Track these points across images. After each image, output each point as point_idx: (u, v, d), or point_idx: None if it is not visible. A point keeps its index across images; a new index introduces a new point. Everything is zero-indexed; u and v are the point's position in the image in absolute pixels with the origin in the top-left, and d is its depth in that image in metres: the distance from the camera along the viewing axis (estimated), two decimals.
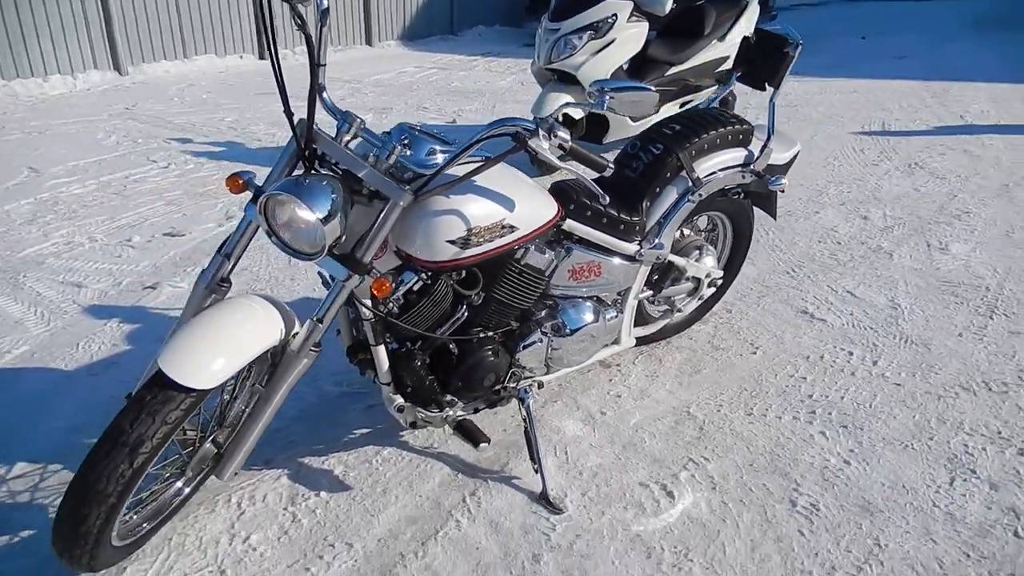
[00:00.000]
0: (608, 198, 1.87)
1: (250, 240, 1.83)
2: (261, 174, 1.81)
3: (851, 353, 2.72)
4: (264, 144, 5.38)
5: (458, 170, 1.77)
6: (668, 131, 2.44)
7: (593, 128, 4.82)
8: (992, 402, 2.43)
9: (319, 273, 2.41)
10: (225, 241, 1.84)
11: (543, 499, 2.07)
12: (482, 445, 2.06)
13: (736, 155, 2.48)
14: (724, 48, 5.06)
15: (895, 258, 3.50)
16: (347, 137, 1.79)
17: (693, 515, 2.00)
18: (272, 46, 1.66)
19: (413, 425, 2.11)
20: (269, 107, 6.44)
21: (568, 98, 4.58)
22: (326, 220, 1.63)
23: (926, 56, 8.38)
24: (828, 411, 2.41)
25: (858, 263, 3.46)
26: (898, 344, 2.77)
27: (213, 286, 1.81)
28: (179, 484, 1.93)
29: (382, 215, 1.72)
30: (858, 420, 2.36)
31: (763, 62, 2.49)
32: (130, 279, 3.33)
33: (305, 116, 1.71)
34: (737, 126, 2.47)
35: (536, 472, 2.10)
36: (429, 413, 2.08)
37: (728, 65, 5.17)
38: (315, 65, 1.71)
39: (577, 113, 4.65)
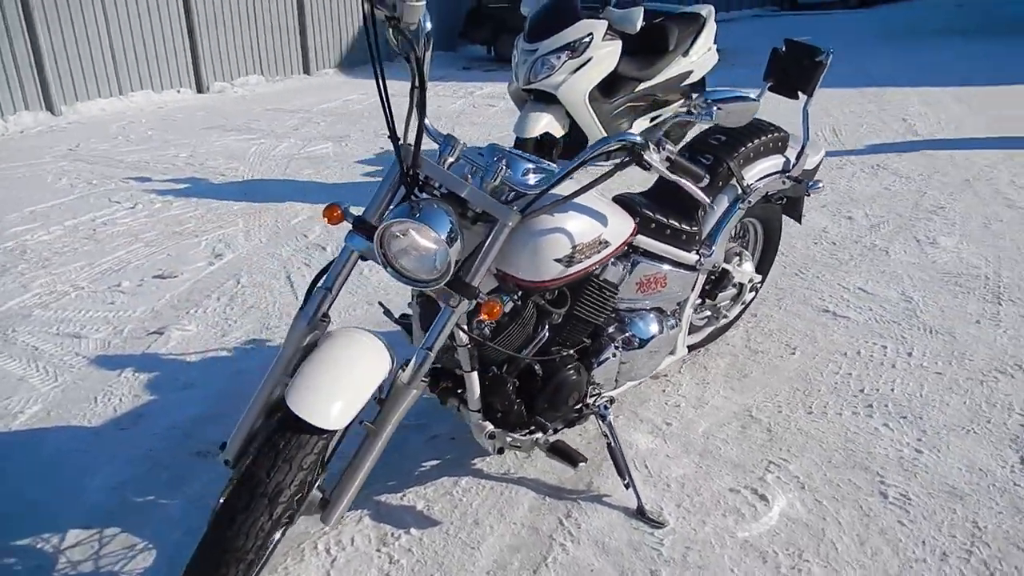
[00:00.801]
0: (709, 201, 1.89)
1: (351, 272, 1.77)
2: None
3: (884, 347, 2.82)
4: (228, 178, 5.21)
5: (560, 189, 1.76)
6: (715, 141, 2.49)
7: (569, 147, 4.87)
8: None
9: (380, 303, 2.36)
10: (322, 274, 1.77)
11: (640, 514, 2.06)
12: (580, 464, 2.04)
13: (776, 162, 2.55)
14: (687, 63, 5.21)
15: (891, 254, 3.66)
16: (449, 160, 1.76)
17: (792, 516, 2.02)
18: (380, 70, 1.63)
19: (500, 451, 2.07)
20: (221, 141, 6.26)
21: (550, 118, 4.63)
22: (449, 243, 1.59)
23: (852, 63, 8.84)
24: (884, 403, 2.48)
25: (859, 261, 3.61)
26: (925, 335, 2.89)
27: (315, 322, 1.73)
28: (276, 535, 1.83)
29: (491, 237, 1.70)
30: (915, 410, 2.44)
31: (796, 71, 2.58)
32: (131, 326, 3.15)
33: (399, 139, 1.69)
34: (775, 134, 2.54)
35: (628, 487, 2.09)
36: (520, 437, 2.04)
37: (693, 79, 5.33)
38: (419, 88, 1.68)
39: (558, 132, 4.70)
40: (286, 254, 3.85)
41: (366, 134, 6.52)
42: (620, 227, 1.98)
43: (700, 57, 5.32)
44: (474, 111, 7.43)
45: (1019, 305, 3.07)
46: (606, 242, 1.90)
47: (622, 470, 2.10)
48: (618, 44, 4.79)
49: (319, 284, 1.75)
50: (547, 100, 4.71)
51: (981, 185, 4.60)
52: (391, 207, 1.77)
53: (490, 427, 1.99)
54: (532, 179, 1.79)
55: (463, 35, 10.94)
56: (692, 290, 2.43)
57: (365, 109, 7.63)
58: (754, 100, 1.74)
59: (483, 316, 1.74)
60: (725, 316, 2.75)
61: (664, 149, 1.69)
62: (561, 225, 1.81)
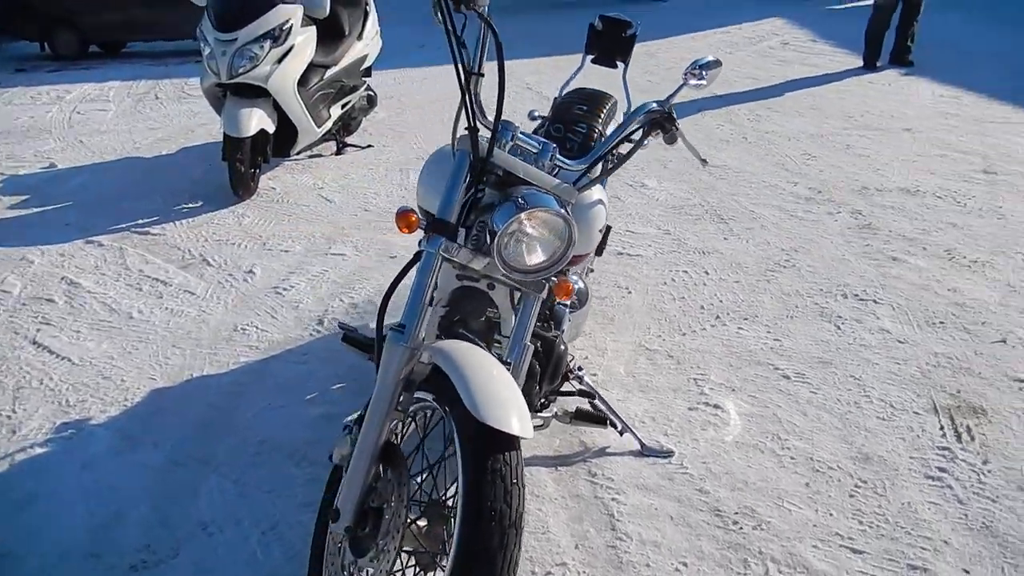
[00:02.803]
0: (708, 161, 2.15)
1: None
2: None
3: (686, 271, 3.45)
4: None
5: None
6: (579, 111, 2.74)
7: (280, 141, 4.65)
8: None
9: (341, 325, 2.15)
10: (394, 287, 1.61)
11: (648, 451, 2.30)
12: (609, 421, 2.19)
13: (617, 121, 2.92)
14: (363, 47, 5.31)
15: (624, 199, 4.34)
16: (509, 145, 1.74)
17: (746, 412, 2.47)
18: (459, 54, 1.55)
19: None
20: None
21: (261, 113, 4.35)
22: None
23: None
24: (725, 312, 3.09)
25: None
26: (701, 256, 3.60)
27: (418, 343, 1.58)
28: None
29: None
30: (748, 311, 3.09)
31: (614, 44, 2.95)
32: None
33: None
34: (613, 100, 2.90)
35: (623, 433, 2.31)
36: (545, 416, 2.11)
37: (368, 63, 5.45)
38: (476, 74, 1.63)
39: (271, 127, 4.45)
40: None
41: None
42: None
43: (372, 40, 5.44)
44: (82, 117, 6.39)
45: (739, 222, 3.97)
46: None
47: (614, 420, 2.30)
48: (313, 30, 4.68)
49: (414, 300, 1.59)
50: (251, 94, 4.40)
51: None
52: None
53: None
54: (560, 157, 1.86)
55: (4, 29, 9.07)
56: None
57: None
58: (720, 63, 2.05)
59: (560, 296, 1.78)
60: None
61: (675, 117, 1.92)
62: (599, 197, 1.93)
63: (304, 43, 4.56)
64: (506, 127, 1.74)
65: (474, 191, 1.67)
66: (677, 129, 1.88)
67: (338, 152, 5.28)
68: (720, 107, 5.99)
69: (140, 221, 4.11)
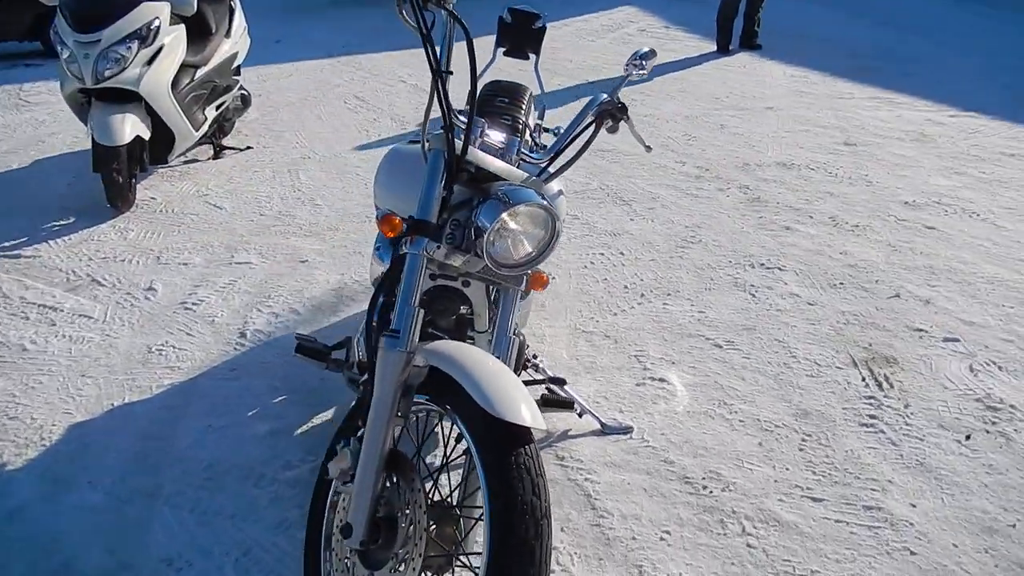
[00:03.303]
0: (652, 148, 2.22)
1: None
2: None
3: (602, 253, 3.56)
4: None
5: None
6: (501, 104, 2.76)
7: (155, 147, 4.37)
8: None
9: (297, 336, 2.08)
10: (382, 290, 1.58)
11: (608, 429, 2.37)
12: (575, 406, 2.24)
13: (536, 112, 2.96)
14: (232, 44, 5.07)
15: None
16: (478, 141, 1.74)
17: (691, 383, 2.60)
18: (430, 52, 1.54)
19: None
20: None
21: (135, 118, 4.06)
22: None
23: None
24: (648, 290, 3.21)
25: None
26: (613, 237, 3.72)
27: (414, 347, 1.55)
28: None
29: None
30: (670, 287, 3.23)
31: (524, 36, 2.98)
32: None
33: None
34: (528, 91, 2.94)
35: (582, 415, 2.37)
36: None
37: (239, 61, 5.21)
38: (445, 72, 1.63)
39: (146, 133, 4.17)
40: None
41: None
42: None
43: (241, 38, 5.21)
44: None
45: (640, 203, 4.13)
46: None
47: (572, 403, 2.36)
48: (183, 28, 4.41)
49: (405, 304, 1.55)
50: (119, 99, 4.09)
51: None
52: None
53: None
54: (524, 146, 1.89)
55: None
56: None
57: None
58: (655, 52, 2.13)
59: (536, 288, 1.81)
60: None
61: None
62: (559, 188, 1.96)
63: (174, 42, 4.29)
64: (475, 124, 1.74)
65: (448, 190, 1.66)
66: (628, 119, 1.94)
67: (215, 156, 5.00)
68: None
69: (5, 244, 3.72)
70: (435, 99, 1.62)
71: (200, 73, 4.67)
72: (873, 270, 3.30)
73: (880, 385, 2.55)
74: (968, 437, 2.31)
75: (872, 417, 2.41)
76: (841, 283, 3.20)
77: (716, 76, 6.75)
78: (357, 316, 3.04)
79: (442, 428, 1.70)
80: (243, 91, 5.30)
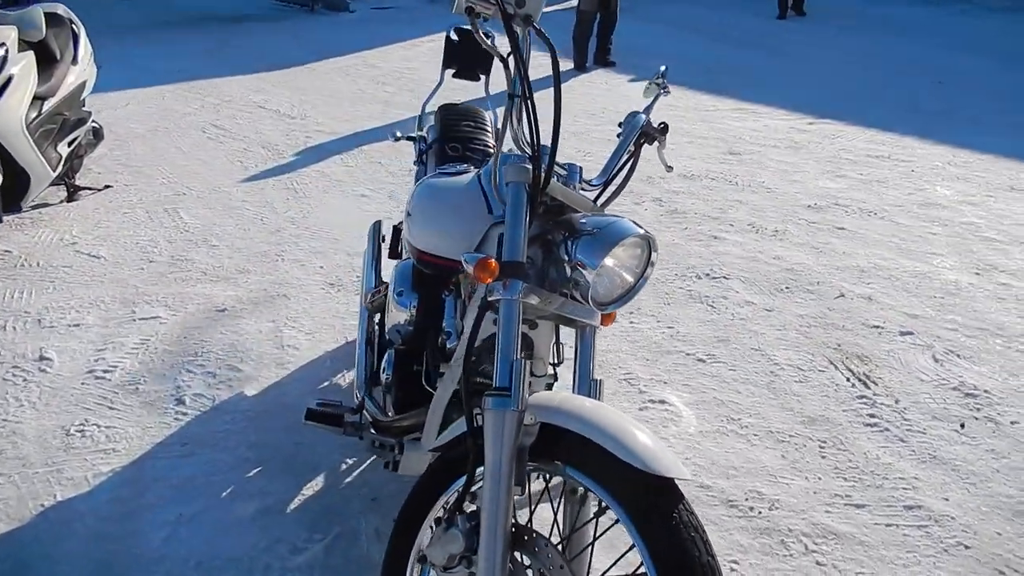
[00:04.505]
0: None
1: None
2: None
3: None
4: None
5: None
6: (468, 128, 2.59)
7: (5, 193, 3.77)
8: None
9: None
10: (504, 347, 1.38)
11: None
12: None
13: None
14: (80, 72, 4.52)
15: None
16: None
17: (705, 423, 2.55)
18: (518, 73, 1.38)
19: None
20: None
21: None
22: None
23: None
24: None
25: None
26: None
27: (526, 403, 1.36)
28: None
29: None
30: None
31: (472, 56, 2.82)
32: None
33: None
34: (483, 111, 2.78)
35: None
36: None
37: (88, 91, 4.66)
38: (527, 98, 1.47)
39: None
40: None
41: None
42: None
43: (88, 65, 4.65)
44: None
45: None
46: None
47: None
48: (32, 55, 3.85)
49: (507, 357, 1.36)
50: None
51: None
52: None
53: None
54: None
55: None
56: None
57: None
58: (667, 68, 2.07)
59: (606, 323, 1.69)
60: None
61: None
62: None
63: (24, 71, 3.72)
64: (543, 152, 1.58)
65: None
66: (664, 139, 1.87)
67: (70, 198, 4.38)
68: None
69: None
70: (509, 125, 1.44)
71: (48, 105, 4.11)
72: (809, 273, 3.44)
73: (865, 384, 2.64)
74: (963, 425, 2.43)
75: (872, 416, 2.47)
76: (787, 287, 3.31)
77: (584, 92, 6.89)
78: (315, 368, 2.73)
79: (549, 492, 1.50)
80: (95, 124, 4.70)
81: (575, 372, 1.62)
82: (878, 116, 6.06)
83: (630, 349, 2.84)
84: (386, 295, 2.24)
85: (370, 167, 4.86)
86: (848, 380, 2.66)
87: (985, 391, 2.60)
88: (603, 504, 1.32)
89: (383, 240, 2.78)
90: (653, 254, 1.53)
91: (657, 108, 1.93)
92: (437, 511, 1.51)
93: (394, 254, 2.60)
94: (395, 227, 2.62)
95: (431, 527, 1.53)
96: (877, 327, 2.99)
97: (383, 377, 1.93)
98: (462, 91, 2.98)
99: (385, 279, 2.63)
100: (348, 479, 2.21)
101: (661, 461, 1.25)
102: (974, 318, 3.08)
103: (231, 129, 5.68)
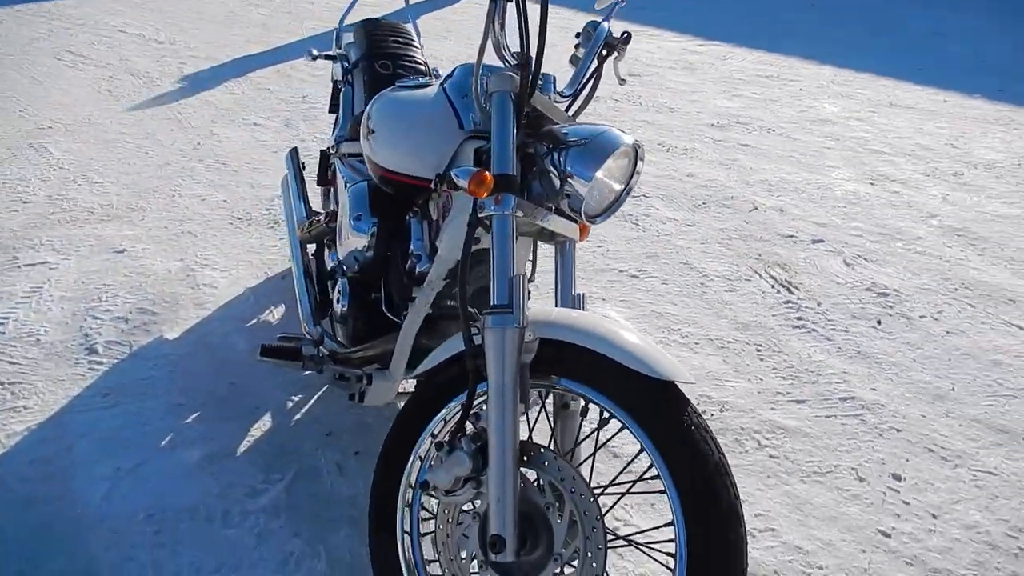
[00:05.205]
0: None
1: None
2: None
3: None
4: None
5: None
6: (396, 44, 2.46)
7: None
8: None
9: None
10: (500, 263, 1.32)
11: None
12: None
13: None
14: None
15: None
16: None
17: (648, 334, 2.60)
18: None
19: None
20: None
21: None
22: None
23: None
24: None
25: None
26: None
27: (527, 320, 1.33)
28: None
29: None
30: None
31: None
32: None
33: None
34: (407, 26, 2.64)
35: None
36: None
37: None
38: None
39: None
40: None
41: None
42: None
43: None
44: None
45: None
46: None
47: None
48: None
49: (504, 273, 1.31)
50: None
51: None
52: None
53: None
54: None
55: None
56: None
57: None
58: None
59: (582, 238, 1.67)
60: None
61: None
62: None
63: None
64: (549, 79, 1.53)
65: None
66: (624, 49, 1.82)
67: None
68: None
69: None
70: (491, 31, 1.35)
71: None
72: (722, 188, 3.55)
73: (788, 290, 2.77)
74: (879, 322, 2.60)
75: (799, 319, 2.60)
76: (704, 203, 3.40)
77: (474, 15, 6.71)
78: (238, 306, 2.57)
79: (544, 407, 1.48)
80: None
81: (557, 288, 1.60)
82: (762, 39, 6.25)
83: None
84: (327, 223, 2.12)
85: (258, 94, 4.56)
86: (773, 287, 2.78)
87: (895, 290, 2.79)
88: (604, 414, 1.32)
89: (303, 168, 2.63)
90: (639, 163, 1.50)
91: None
92: (427, 439, 1.47)
93: (323, 180, 2.46)
94: (322, 152, 2.47)
95: (419, 457, 1.49)
96: (791, 236, 3.13)
97: (338, 308, 1.83)
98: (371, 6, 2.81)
99: (315, 208, 2.49)
100: (297, 416, 2.11)
101: (665, 366, 1.26)
102: (875, 224, 3.28)
103: (91, 56, 5.16)
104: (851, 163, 3.93)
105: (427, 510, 1.52)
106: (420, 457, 1.49)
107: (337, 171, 2.19)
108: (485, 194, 1.30)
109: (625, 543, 1.39)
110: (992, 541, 1.79)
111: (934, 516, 1.85)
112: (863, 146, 4.16)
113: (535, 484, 1.33)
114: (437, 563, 1.42)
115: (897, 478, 1.96)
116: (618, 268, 2.87)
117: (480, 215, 1.34)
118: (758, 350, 2.44)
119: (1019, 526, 1.83)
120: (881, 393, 2.27)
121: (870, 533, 1.79)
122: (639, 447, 1.27)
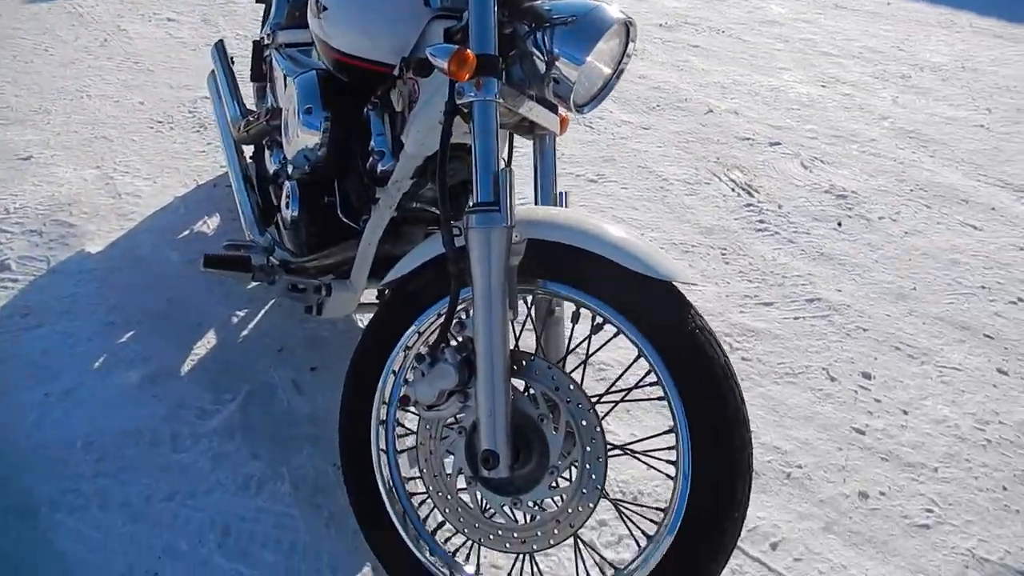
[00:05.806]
0: None
1: None
2: None
3: None
4: None
5: None
6: None
7: None
8: None
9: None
10: (483, 155, 1.18)
11: None
12: None
13: None
14: None
15: None
16: None
17: None
18: None
19: None
20: None
21: None
22: None
23: None
24: None
25: None
26: None
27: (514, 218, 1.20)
28: None
29: None
30: None
31: None
32: None
33: None
34: None
35: None
36: None
37: None
38: None
39: None
40: None
41: None
42: None
43: None
44: None
45: None
46: None
47: None
48: None
49: (488, 166, 1.17)
50: None
51: None
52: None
53: None
54: None
55: None
56: None
57: None
58: None
59: (563, 130, 1.55)
60: None
61: None
62: None
63: None
64: None
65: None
66: None
67: None
68: None
69: None
70: None
71: None
72: (676, 90, 3.43)
73: (748, 193, 2.71)
74: (840, 224, 2.59)
75: (761, 222, 2.56)
76: (658, 105, 3.29)
77: None
78: (167, 216, 2.36)
79: (530, 314, 1.37)
80: None
81: (537, 185, 1.47)
82: None
83: (521, 175, 2.70)
84: (267, 121, 1.91)
85: None
86: (733, 190, 2.72)
87: (853, 191, 2.77)
88: (597, 320, 1.23)
89: (232, 62, 2.38)
90: (631, 44, 1.36)
91: None
92: (400, 353, 1.35)
93: (257, 76, 2.22)
94: (255, 42, 2.23)
95: (393, 372, 1.38)
96: (748, 139, 3.07)
97: (287, 214, 1.66)
98: None
99: (248, 104, 2.27)
100: (245, 332, 1.96)
101: (665, 265, 1.17)
102: (829, 127, 3.25)
103: None
104: (801, 65, 3.86)
105: (403, 426, 1.42)
106: (394, 371, 1.38)
107: (275, 63, 1.98)
108: (467, 76, 1.14)
109: (622, 452, 1.32)
110: (961, 434, 1.81)
111: (905, 412, 1.86)
112: (812, 48, 4.09)
113: (525, 395, 1.24)
114: (418, 480, 1.33)
115: (867, 376, 1.96)
116: (575, 172, 2.75)
117: (459, 102, 1.19)
118: (723, 254, 2.39)
119: (985, 419, 1.86)
120: (846, 294, 2.26)
121: (845, 431, 1.79)
122: (636, 353, 1.19)
